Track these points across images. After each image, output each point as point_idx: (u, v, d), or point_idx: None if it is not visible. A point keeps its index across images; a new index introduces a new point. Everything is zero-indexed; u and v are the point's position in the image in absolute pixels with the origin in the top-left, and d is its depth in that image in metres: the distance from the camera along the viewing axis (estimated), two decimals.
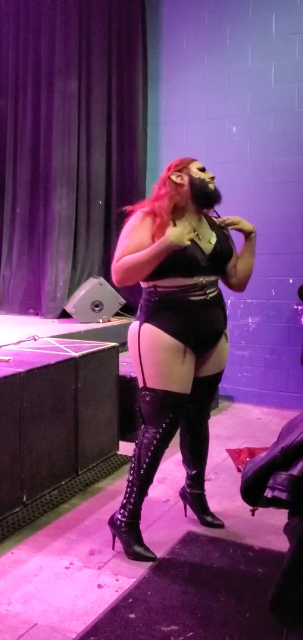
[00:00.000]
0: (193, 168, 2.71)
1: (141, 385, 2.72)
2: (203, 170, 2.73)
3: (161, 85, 5.78)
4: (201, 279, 2.65)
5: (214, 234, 2.75)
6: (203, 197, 2.70)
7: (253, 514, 1.49)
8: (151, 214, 2.63)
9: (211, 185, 2.70)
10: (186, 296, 2.63)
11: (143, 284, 2.72)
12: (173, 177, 2.69)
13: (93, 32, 5.88)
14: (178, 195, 2.67)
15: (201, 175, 2.71)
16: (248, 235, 2.84)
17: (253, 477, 1.40)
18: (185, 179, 2.68)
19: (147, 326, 2.65)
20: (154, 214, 2.63)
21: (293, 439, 1.34)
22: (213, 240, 2.73)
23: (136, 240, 2.59)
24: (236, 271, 2.86)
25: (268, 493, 1.31)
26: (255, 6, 5.28)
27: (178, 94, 5.68)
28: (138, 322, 2.70)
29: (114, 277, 2.67)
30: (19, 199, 6.23)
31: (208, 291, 2.68)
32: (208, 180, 2.70)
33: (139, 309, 2.74)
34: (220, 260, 2.74)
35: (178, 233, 2.52)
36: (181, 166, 2.71)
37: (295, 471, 1.29)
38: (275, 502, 1.30)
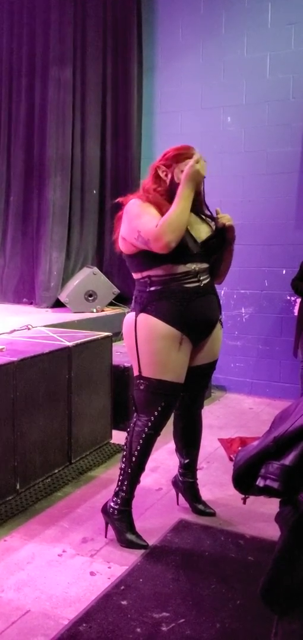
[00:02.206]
0: (178, 171, 2.65)
1: (136, 374, 2.73)
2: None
3: (156, 74, 5.77)
4: (194, 266, 2.66)
5: (204, 224, 2.78)
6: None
7: (244, 502, 1.50)
8: (147, 200, 2.65)
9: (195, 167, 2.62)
10: (180, 284, 2.64)
11: (137, 275, 2.72)
12: (159, 172, 2.71)
13: (88, 20, 5.85)
14: (160, 187, 2.69)
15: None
16: (232, 238, 2.82)
17: (245, 466, 1.41)
18: (168, 177, 2.69)
19: (143, 316, 2.65)
20: (150, 201, 2.64)
21: (286, 428, 1.35)
22: (204, 228, 2.76)
23: (154, 211, 2.58)
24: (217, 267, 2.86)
25: (260, 482, 1.33)
26: None
27: (173, 84, 5.67)
28: (133, 313, 2.71)
29: (164, 240, 2.49)
30: (13, 188, 6.21)
31: (201, 278, 2.69)
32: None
33: (133, 301, 2.75)
34: (211, 247, 2.75)
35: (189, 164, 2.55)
36: (171, 162, 2.69)
37: (287, 460, 1.30)
38: (266, 491, 1.31)
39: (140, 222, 2.57)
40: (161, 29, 5.70)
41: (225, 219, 2.75)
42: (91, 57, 5.88)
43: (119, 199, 2.76)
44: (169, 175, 2.69)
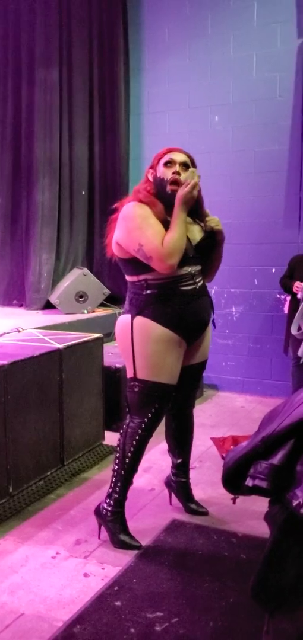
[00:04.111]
0: (161, 165, 2.69)
1: (130, 376, 2.74)
2: (167, 164, 2.67)
3: (143, 75, 5.78)
4: (190, 269, 2.68)
5: (196, 225, 2.79)
6: (163, 197, 2.66)
7: (234, 502, 1.52)
8: (139, 200, 2.66)
9: (168, 188, 2.65)
10: (177, 287, 2.65)
11: (132, 278, 2.72)
12: (148, 175, 2.74)
13: (73, 22, 5.85)
14: (145, 191, 2.69)
15: (164, 172, 2.67)
16: (221, 240, 2.84)
17: (234, 466, 1.43)
18: (153, 176, 2.71)
19: (140, 319, 2.66)
20: (146, 203, 2.65)
21: (274, 428, 1.37)
22: (197, 229, 2.78)
23: (155, 222, 2.59)
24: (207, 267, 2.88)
25: (249, 482, 1.34)
26: None
27: (160, 84, 5.68)
28: (128, 316, 2.71)
29: (168, 262, 2.53)
30: (0, 191, 6.19)
31: (196, 280, 2.71)
32: (168, 179, 2.65)
33: (128, 302, 2.74)
34: (205, 249, 2.76)
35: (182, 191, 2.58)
36: (155, 162, 2.73)
37: (275, 460, 1.32)
38: (255, 491, 1.33)
39: (143, 235, 2.56)
40: (147, 30, 5.71)
41: (213, 222, 2.76)
42: (77, 58, 5.87)
43: (116, 205, 2.77)
44: (154, 174, 2.71)
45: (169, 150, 2.72)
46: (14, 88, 6.07)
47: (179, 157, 2.70)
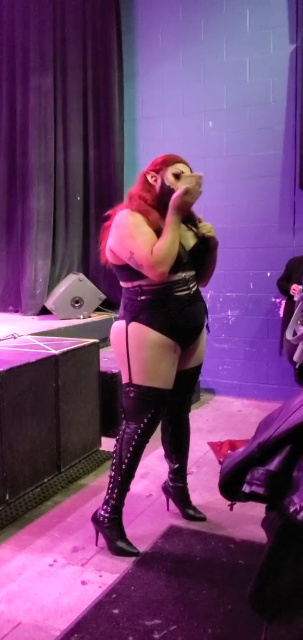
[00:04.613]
0: (169, 173, 2.67)
1: (125, 381, 2.74)
2: (178, 177, 2.66)
3: (137, 80, 5.79)
4: (184, 274, 2.69)
5: (190, 231, 2.79)
6: (165, 206, 2.63)
7: (231, 509, 1.51)
8: (136, 211, 2.64)
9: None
10: (172, 292, 2.65)
11: (126, 284, 2.72)
12: (148, 177, 2.71)
13: (67, 27, 5.86)
14: (148, 194, 2.68)
15: (174, 183, 2.65)
16: (214, 245, 2.84)
17: (231, 472, 1.43)
18: (158, 182, 2.68)
19: (135, 325, 2.66)
20: (139, 211, 2.64)
21: (270, 434, 1.37)
22: (190, 235, 2.78)
23: (147, 230, 2.58)
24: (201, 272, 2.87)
25: (246, 488, 1.34)
26: (229, 1, 5.32)
27: (154, 89, 5.69)
28: (123, 322, 2.70)
29: (158, 270, 2.53)
30: None
31: (191, 285, 2.72)
32: (178, 191, 2.61)
33: (123, 308, 2.74)
34: (199, 254, 2.77)
35: (175, 195, 2.58)
36: (160, 167, 2.69)
37: (271, 466, 1.32)
38: (252, 497, 1.33)
39: (134, 243, 2.56)
40: (141, 36, 5.73)
41: (205, 229, 2.76)
42: (72, 64, 5.88)
43: (109, 212, 2.76)
44: (159, 180, 2.68)
45: (177, 160, 2.70)
46: (8, 94, 6.07)
47: (187, 170, 2.69)
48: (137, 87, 5.80)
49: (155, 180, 2.69)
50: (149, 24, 5.66)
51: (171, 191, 2.63)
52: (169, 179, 2.66)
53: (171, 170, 2.67)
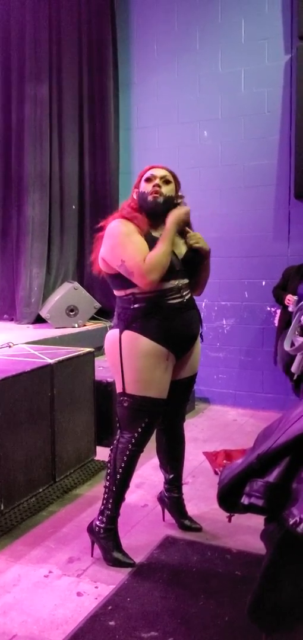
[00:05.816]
0: (142, 181, 2.76)
1: (119, 390, 2.73)
2: (148, 180, 2.73)
3: (133, 90, 5.80)
4: (177, 282, 2.69)
5: (183, 240, 2.80)
6: (146, 210, 2.72)
7: (229, 521, 1.51)
8: (123, 217, 2.70)
9: (149, 197, 2.70)
10: (165, 300, 2.66)
11: (120, 293, 2.73)
12: (133, 194, 2.80)
13: (63, 37, 5.86)
14: (129, 207, 2.75)
15: (145, 186, 2.73)
16: (205, 254, 2.84)
17: (229, 484, 1.42)
18: (136, 194, 2.78)
19: (128, 333, 2.66)
20: (129, 219, 2.68)
21: (269, 445, 1.36)
22: (184, 245, 2.79)
23: (138, 239, 2.62)
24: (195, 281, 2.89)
25: (245, 500, 1.34)
26: (224, 12, 5.34)
27: (150, 99, 5.70)
28: (117, 330, 2.71)
29: (149, 278, 2.56)
30: None
31: (184, 293, 2.72)
32: (148, 191, 2.71)
33: (116, 317, 2.74)
34: (192, 263, 2.77)
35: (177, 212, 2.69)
36: (139, 180, 2.80)
37: (271, 478, 1.31)
38: (251, 509, 1.32)
39: (125, 252, 2.59)
40: (136, 45, 5.74)
41: (194, 239, 2.77)
42: (67, 73, 5.89)
43: (101, 223, 2.79)
44: (138, 192, 2.78)
45: (151, 167, 2.80)
46: (4, 103, 6.06)
47: (160, 172, 2.76)
48: (132, 96, 5.81)
49: (136, 194, 2.78)
50: (144, 34, 5.68)
51: (143, 195, 2.72)
52: (142, 185, 2.75)
53: (143, 178, 2.77)
